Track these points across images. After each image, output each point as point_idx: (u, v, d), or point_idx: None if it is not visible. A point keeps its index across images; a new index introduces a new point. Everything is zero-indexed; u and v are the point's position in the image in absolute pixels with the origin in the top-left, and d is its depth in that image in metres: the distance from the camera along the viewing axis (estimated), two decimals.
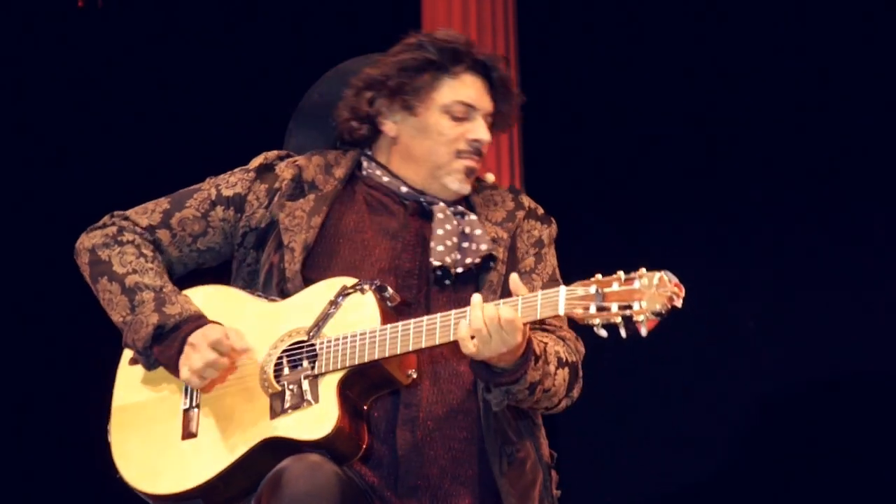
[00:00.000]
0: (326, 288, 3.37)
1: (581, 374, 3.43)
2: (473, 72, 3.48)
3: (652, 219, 5.25)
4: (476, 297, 3.18)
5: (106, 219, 3.57)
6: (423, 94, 3.47)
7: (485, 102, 3.49)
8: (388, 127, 3.52)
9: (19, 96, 5.63)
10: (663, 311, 3.01)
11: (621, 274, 3.08)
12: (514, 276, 3.20)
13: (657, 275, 3.04)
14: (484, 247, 3.43)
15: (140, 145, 5.57)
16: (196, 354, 3.31)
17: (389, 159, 3.55)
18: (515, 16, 5.51)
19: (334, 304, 3.33)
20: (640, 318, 3.02)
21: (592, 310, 3.07)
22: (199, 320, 3.37)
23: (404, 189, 3.51)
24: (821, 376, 4.99)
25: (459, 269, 3.43)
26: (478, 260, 3.43)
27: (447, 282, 3.42)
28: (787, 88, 5.14)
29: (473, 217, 3.50)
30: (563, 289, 3.12)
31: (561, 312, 3.10)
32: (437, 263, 3.40)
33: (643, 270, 3.06)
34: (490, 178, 3.60)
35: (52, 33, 5.67)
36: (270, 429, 3.27)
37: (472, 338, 3.16)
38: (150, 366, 3.43)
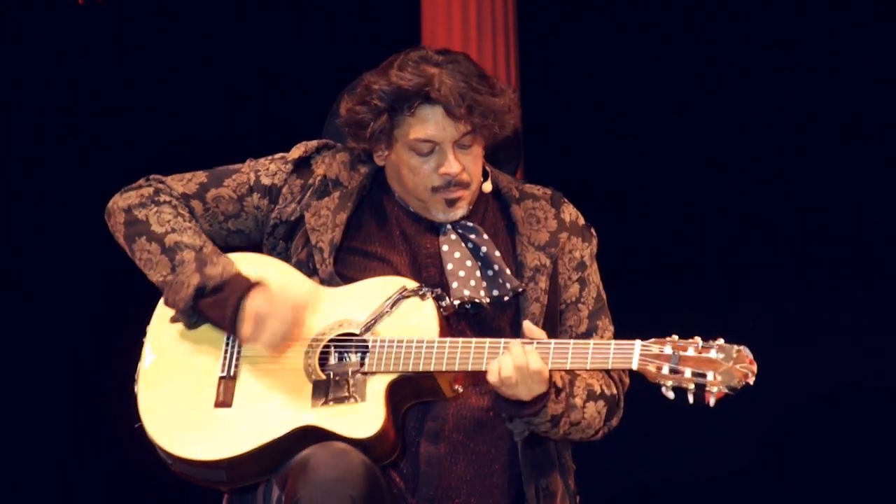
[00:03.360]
0: (385, 285, 3.36)
1: (623, 404, 3.45)
2: (431, 102, 3.36)
3: (652, 218, 5.29)
4: (516, 343, 3.21)
5: (141, 181, 3.52)
6: (388, 134, 3.40)
7: (450, 130, 3.39)
8: (378, 157, 3.49)
9: (19, 95, 5.52)
10: (738, 387, 3.07)
11: (699, 340, 3.13)
12: (526, 323, 3.24)
13: (735, 348, 3.11)
14: (509, 285, 3.41)
15: (142, 143, 5.48)
16: (265, 331, 3.29)
17: (389, 180, 3.53)
18: (515, 16, 5.49)
19: (393, 304, 3.32)
20: (714, 389, 3.07)
21: (665, 371, 3.12)
22: (242, 280, 3.34)
23: (411, 209, 3.51)
24: (822, 377, 5.08)
25: (487, 300, 3.42)
26: (505, 298, 3.42)
27: (477, 311, 3.42)
28: (790, 90, 5.20)
29: (486, 238, 3.46)
30: (638, 343, 3.16)
31: (634, 367, 3.14)
32: (457, 302, 3.39)
33: (721, 341, 3.12)
34: (487, 187, 3.54)
35: (52, 31, 5.56)
36: (312, 417, 3.25)
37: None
38: (191, 325, 3.38)
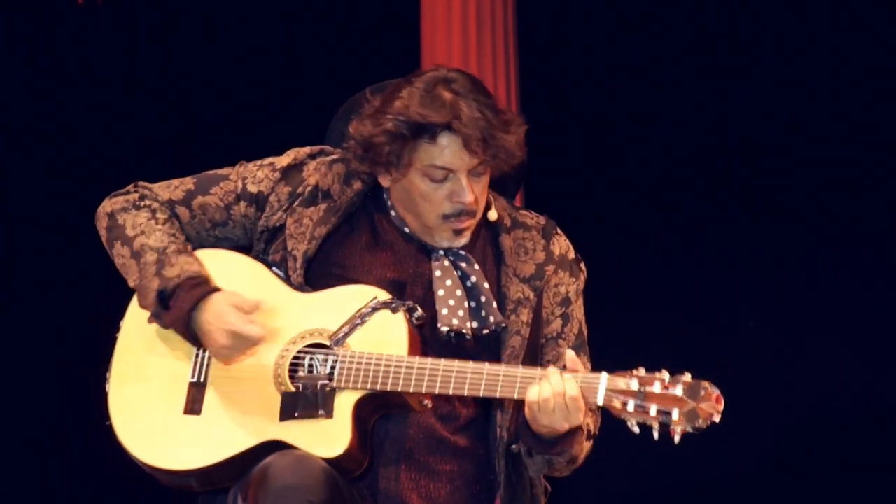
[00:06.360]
0: (357, 294, 3.33)
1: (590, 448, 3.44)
2: (451, 131, 3.31)
3: (651, 219, 5.27)
4: (553, 368, 3.18)
5: (130, 186, 3.51)
6: (403, 158, 3.35)
7: (467, 160, 3.34)
8: (383, 179, 3.44)
9: (19, 95, 5.52)
10: (702, 427, 3.02)
11: (665, 375, 3.07)
12: (570, 354, 3.20)
13: (702, 385, 3.05)
14: (492, 319, 3.38)
15: (141, 144, 5.48)
16: (216, 333, 3.28)
17: (393, 201, 3.48)
18: (515, 16, 5.45)
19: (362, 316, 3.29)
20: (678, 428, 3.03)
21: (630, 407, 3.07)
22: (196, 282, 3.32)
23: (406, 230, 3.46)
24: (822, 379, 5.05)
25: (471, 333, 3.37)
26: (486, 332, 3.38)
27: (459, 342, 3.38)
28: (794, 92, 5.17)
29: (476, 268, 3.42)
30: (604, 377, 3.11)
31: (599, 402, 3.10)
32: (444, 329, 3.35)
33: (688, 376, 3.06)
34: (493, 216, 3.50)
35: (51, 31, 5.57)
36: (279, 431, 3.25)
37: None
38: (166, 327, 3.38)
